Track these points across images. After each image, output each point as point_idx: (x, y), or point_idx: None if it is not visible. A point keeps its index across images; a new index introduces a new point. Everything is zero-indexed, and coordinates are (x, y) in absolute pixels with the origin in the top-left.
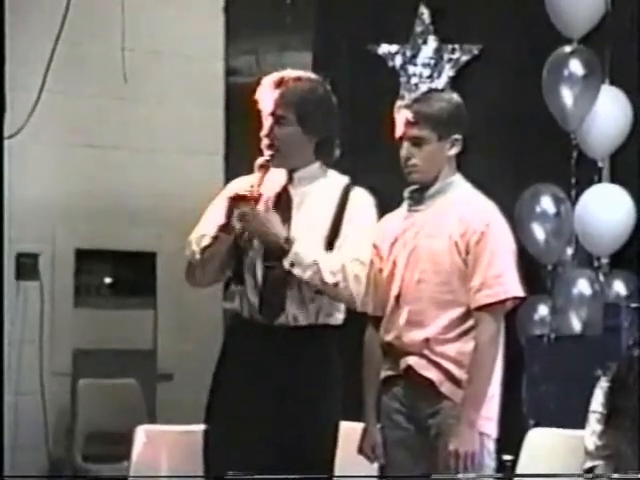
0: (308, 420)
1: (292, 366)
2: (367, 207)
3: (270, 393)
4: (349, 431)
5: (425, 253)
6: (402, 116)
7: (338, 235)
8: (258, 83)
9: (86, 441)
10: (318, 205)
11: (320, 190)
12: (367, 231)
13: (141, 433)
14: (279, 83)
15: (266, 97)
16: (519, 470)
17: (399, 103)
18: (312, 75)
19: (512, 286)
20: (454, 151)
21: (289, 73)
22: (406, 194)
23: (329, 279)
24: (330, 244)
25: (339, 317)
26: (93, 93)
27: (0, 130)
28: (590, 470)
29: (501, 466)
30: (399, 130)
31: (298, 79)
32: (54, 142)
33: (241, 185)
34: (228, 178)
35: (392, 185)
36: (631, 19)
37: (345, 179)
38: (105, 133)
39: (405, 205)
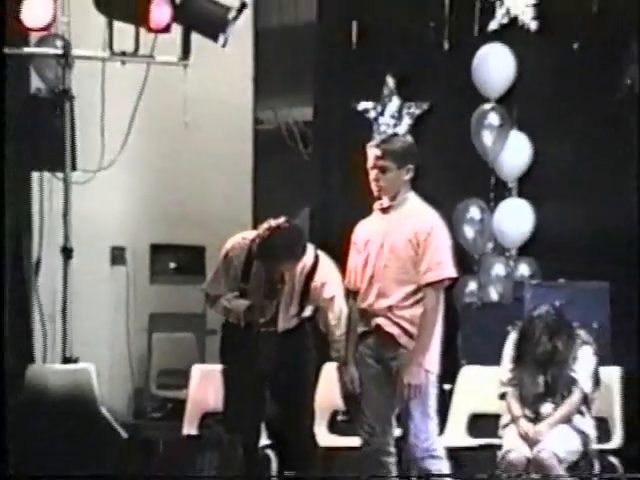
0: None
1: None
2: None
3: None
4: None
5: (389, 247)
6: (372, 152)
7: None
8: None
9: (158, 375)
10: None
11: None
12: None
13: (196, 370)
14: None
15: None
16: (455, 395)
17: (370, 143)
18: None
19: (449, 269)
20: (409, 176)
21: None
22: (376, 206)
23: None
24: None
25: None
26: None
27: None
28: (503, 395)
29: (442, 393)
30: (370, 162)
31: None
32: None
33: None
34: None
35: (367, 201)
36: (538, 82)
37: None
38: (173, 162)
39: (375, 214)
